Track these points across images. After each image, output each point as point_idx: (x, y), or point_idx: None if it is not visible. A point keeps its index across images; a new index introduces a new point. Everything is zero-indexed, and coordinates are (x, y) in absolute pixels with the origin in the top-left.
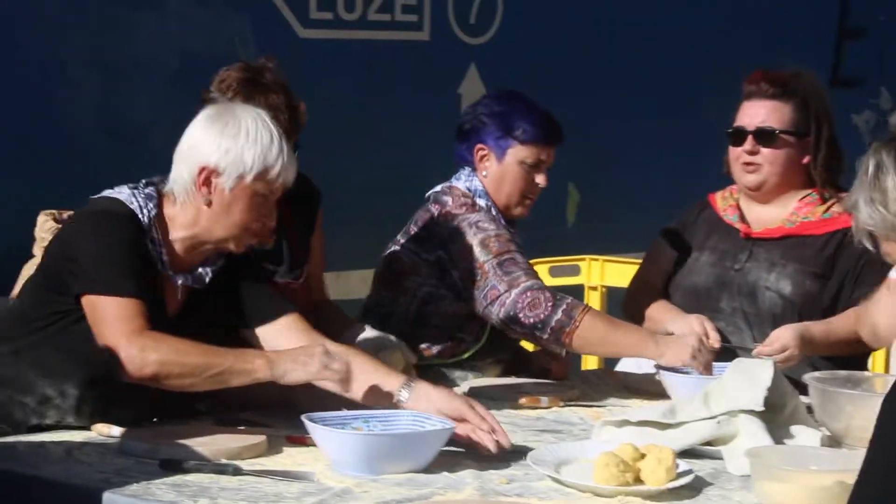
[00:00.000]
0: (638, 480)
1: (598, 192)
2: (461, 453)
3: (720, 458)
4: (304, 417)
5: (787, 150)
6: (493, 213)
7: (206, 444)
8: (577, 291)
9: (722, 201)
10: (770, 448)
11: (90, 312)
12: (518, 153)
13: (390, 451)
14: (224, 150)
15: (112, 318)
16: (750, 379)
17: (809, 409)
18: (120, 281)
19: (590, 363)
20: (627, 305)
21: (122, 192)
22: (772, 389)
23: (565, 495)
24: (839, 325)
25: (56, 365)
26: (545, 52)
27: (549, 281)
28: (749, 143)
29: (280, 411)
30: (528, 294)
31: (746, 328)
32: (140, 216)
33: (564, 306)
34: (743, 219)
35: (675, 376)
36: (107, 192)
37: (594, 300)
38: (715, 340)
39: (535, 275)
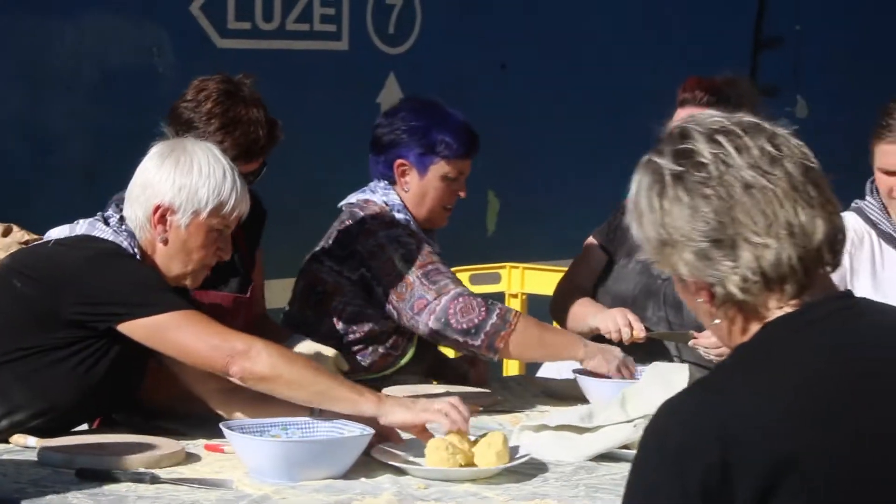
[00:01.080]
0: (471, 464)
1: (518, 199)
2: (379, 460)
3: None
4: (222, 425)
5: None
6: (413, 226)
7: (124, 453)
8: (497, 299)
9: None
10: None
11: (151, 335)
12: (441, 169)
13: (308, 458)
14: (178, 188)
15: (191, 329)
16: (666, 383)
17: None
18: (172, 297)
19: (511, 369)
20: (555, 305)
21: (105, 232)
22: None
23: (482, 500)
24: None
25: (10, 392)
26: (464, 61)
27: (470, 289)
28: None
29: (199, 420)
30: (460, 300)
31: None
32: (132, 251)
33: (498, 310)
34: None
35: (593, 381)
36: (85, 231)
37: (515, 308)
38: (639, 330)
39: (461, 283)
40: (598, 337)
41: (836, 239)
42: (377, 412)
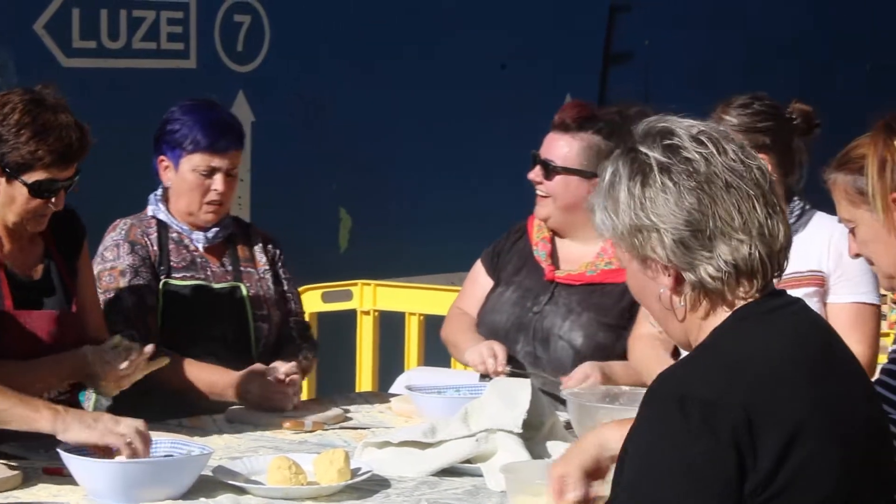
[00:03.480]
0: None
1: (371, 216)
2: (219, 479)
3: (480, 475)
4: (59, 448)
5: (577, 186)
6: (167, 219)
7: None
8: (350, 316)
9: (537, 232)
10: (525, 463)
11: None
12: (190, 161)
13: (147, 479)
14: None
15: None
16: (509, 400)
17: (569, 425)
18: None
19: (364, 385)
20: (444, 332)
21: None
22: (530, 410)
23: None
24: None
25: None
26: (314, 79)
27: (323, 307)
28: (535, 172)
29: (39, 443)
30: None
31: (537, 372)
32: None
33: None
34: (553, 254)
35: (425, 396)
36: None
37: (367, 325)
38: (500, 365)
39: (132, 324)
40: None
41: (789, 245)
42: (53, 429)
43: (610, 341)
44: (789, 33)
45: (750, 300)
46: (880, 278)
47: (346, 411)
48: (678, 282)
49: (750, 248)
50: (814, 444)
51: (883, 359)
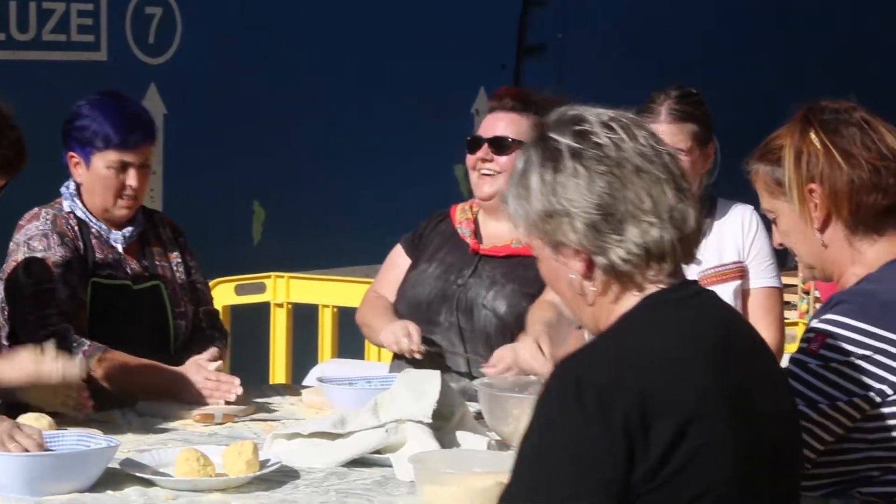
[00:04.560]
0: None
1: (284, 209)
2: (127, 472)
3: (390, 466)
4: None
5: None
6: (85, 216)
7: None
8: (263, 309)
9: (460, 214)
10: (433, 453)
11: None
12: (102, 158)
13: (51, 472)
14: None
15: None
16: (419, 391)
17: (479, 415)
18: None
19: (277, 377)
20: (358, 315)
21: None
22: (440, 400)
23: None
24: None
25: None
26: (225, 72)
27: (236, 299)
28: (483, 151)
29: None
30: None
31: (460, 343)
32: None
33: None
34: (476, 233)
35: (335, 388)
36: None
37: (281, 317)
38: (415, 345)
39: (67, 317)
40: None
41: (700, 230)
42: None
43: None
44: (699, 28)
45: (662, 286)
46: (801, 268)
47: (259, 404)
48: (589, 267)
49: (660, 232)
50: (708, 433)
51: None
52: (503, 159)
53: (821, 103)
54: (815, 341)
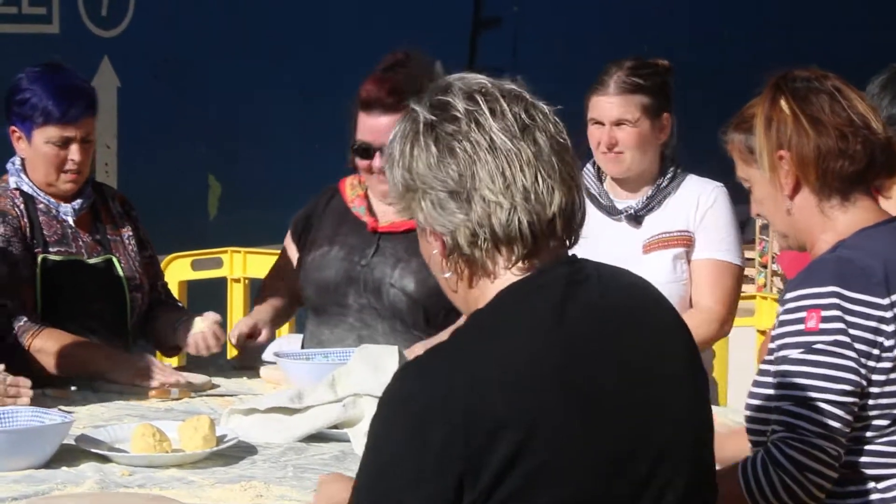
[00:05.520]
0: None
1: (240, 183)
2: (82, 448)
3: (347, 440)
4: None
5: None
6: (32, 191)
7: None
8: (220, 284)
9: (351, 190)
10: None
11: None
12: (43, 134)
13: (6, 448)
14: None
15: None
16: (376, 366)
17: None
18: None
19: (234, 352)
20: (257, 298)
21: None
22: None
23: (187, 484)
24: None
25: None
26: (179, 44)
27: (192, 275)
28: (379, 160)
29: None
30: None
31: (376, 323)
32: None
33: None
34: (371, 210)
35: (292, 363)
36: None
37: (238, 292)
38: (214, 341)
39: (8, 294)
40: None
41: (572, 213)
42: None
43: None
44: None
45: (518, 275)
46: (776, 238)
47: (215, 380)
48: (444, 248)
49: (509, 214)
50: (552, 448)
51: (745, 321)
52: None
53: (793, 72)
54: (812, 318)
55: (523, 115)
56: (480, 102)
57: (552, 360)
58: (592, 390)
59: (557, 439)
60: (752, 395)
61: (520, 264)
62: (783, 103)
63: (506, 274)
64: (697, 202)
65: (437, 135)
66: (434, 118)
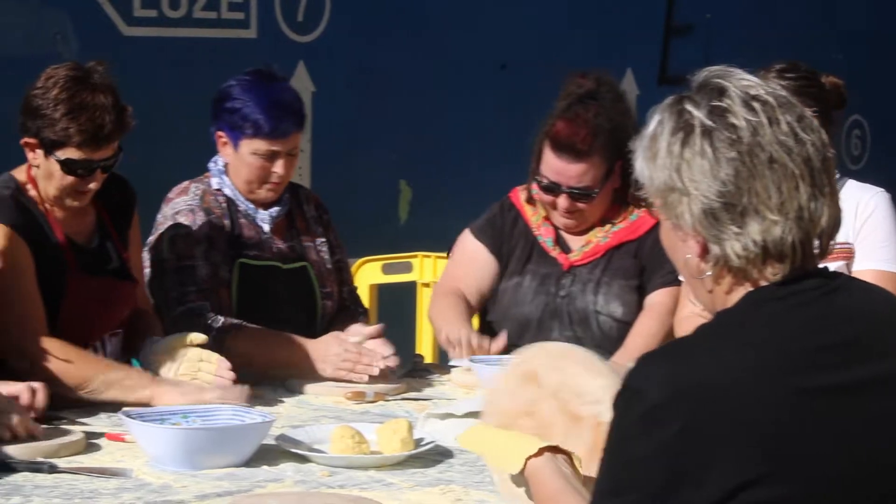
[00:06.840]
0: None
1: (431, 188)
2: (282, 447)
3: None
4: (121, 413)
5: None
6: (233, 195)
7: (22, 443)
8: (410, 288)
9: (533, 216)
10: None
11: None
12: (250, 146)
13: (209, 446)
14: None
15: None
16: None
17: None
18: None
19: (426, 356)
20: (430, 312)
21: None
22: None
23: (386, 486)
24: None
25: None
26: (374, 50)
27: (383, 278)
28: (565, 200)
29: (101, 409)
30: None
31: None
32: None
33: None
34: (559, 241)
35: (488, 368)
36: None
37: (427, 297)
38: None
39: (206, 295)
40: None
41: (835, 228)
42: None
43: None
44: (842, 7)
45: (773, 282)
46: None
47: (409, 383)
48: (704, 252)
49: (783, 231)
50: (777, 490)
51: None
52: (585, 206)
53: None
54: None
55: (796, 127)
56: (759, 111)
57: (783, 367)
58: (835, 405)
59: (781, 485)
60: None
61: (780, 278)
62: None
63: (764, 281)
64: (856, 210)
65: (714, 142)
66: (713, 124)
